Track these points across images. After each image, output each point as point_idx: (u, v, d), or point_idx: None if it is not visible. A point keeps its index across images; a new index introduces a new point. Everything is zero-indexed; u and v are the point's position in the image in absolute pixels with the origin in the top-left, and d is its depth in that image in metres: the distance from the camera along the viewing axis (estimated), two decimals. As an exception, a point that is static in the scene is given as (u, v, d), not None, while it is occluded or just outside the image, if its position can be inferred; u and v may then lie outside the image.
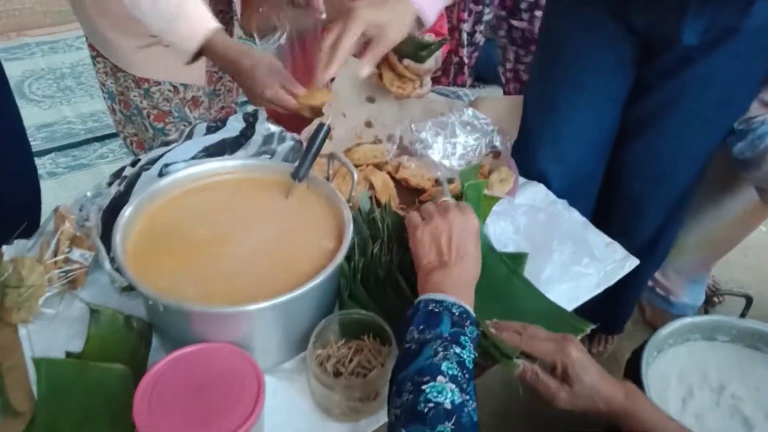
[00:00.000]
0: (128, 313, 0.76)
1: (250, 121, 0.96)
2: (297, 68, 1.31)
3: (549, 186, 1.07)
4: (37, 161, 1.34)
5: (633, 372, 0.97)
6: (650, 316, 1.65)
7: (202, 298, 0.67)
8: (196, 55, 0.95)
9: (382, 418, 0.70)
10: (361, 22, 0.79)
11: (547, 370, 0.68)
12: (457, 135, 1.04)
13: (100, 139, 2.45)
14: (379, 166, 1.06)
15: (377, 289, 0.78)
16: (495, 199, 0.91)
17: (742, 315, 1.13)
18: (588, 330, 0.78)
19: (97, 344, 0.75)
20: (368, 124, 1.19)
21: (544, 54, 1.13)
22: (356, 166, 1.04)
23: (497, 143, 1.06)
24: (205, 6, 0.94)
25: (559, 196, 1.05)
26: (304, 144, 0.90)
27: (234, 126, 0.96)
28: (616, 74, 1.03)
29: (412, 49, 1.05)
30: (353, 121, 1.17)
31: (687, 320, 1.07)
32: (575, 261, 0.91)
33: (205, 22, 0.93)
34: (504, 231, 0.89)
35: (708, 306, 1.42)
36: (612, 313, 1.44)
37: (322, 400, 0.70)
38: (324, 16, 0.99)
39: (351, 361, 0.73)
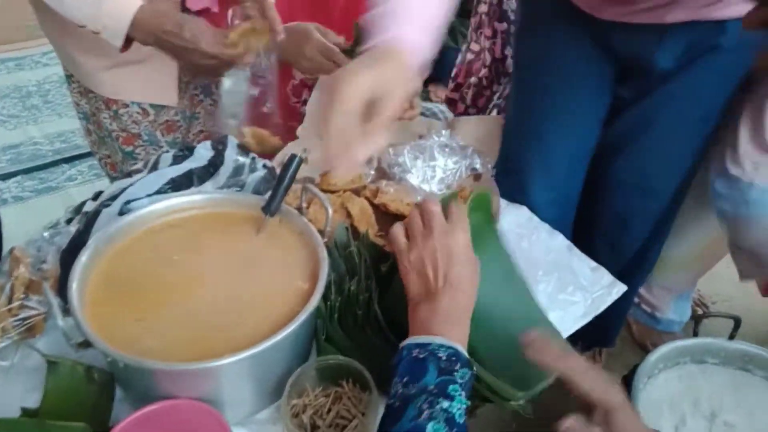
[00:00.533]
0: (89, 363, 0.70)
1: (219, 149, 0.92)
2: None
3: (538, 213, 1.04)
4: (2, 185, 1.28)
5: (624, 401, 0.94)
6: (637, 333, 1.63)
7: (166, 351, 0.62)
8: (130, 40, 0.92)
9: (364, 471, 0.66)
10: (360, 93, 0.61)
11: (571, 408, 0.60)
12: (436, 158, 1.01)
13: (68, 160, 2.37)
14: (356, 191, 1.02)
15: (355, 329, 0.74)
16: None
17: (731, 336, 1.11)
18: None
19: (55, 399, 0.69)
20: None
21: (522, 82, 1.12)
22: (333, 191, 1.00)
23: (477, 166, 1.03)
24: None
25: (546, 218, 1.02)
26: (278, 171, 0.86)
27: (202, 154, 0.91)
28: (597, 96, 1.02)
29: None
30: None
31: (677, 344, 1.04)
32: (561, 289, 0.88)
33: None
34: (488, 261, 0.85)
35: (696, 324, 1.41)
36: (602, 328, 1.42)
37: (299, 455, 0.65)
38: (282, 36, 0.94)
39: (329, 411, 0.68)
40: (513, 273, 0.79)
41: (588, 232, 1.13)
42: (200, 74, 0.98)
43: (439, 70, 2.50)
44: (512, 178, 1.08)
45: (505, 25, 1.57)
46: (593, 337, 1.45)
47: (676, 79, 0.96)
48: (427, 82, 2.57)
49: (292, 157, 0.77)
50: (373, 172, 1.06)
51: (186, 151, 0.92)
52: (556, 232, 0.99)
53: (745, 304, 1.63)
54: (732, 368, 1.06)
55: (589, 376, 0.56)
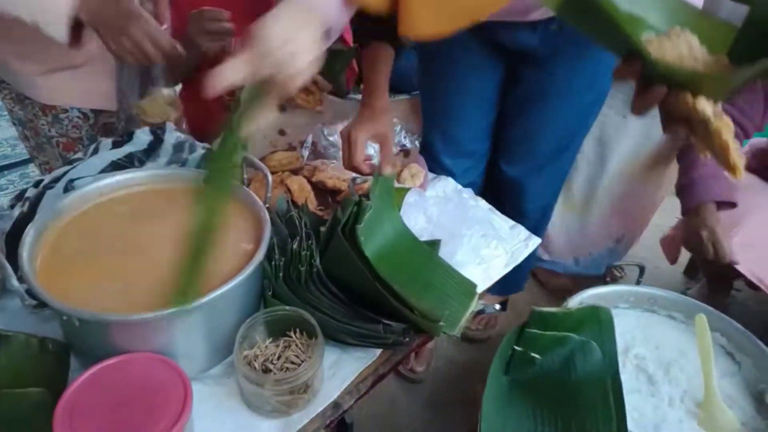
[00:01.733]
0: (43, 335, 0.73)
1: (158, 133, 0.96)
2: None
3: (434, 157, 1.19)
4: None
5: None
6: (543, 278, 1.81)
7: (119, 308, 0.66)
8: (76, 30, 0.85)
9: (314, 410, 0.72)
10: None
11: None
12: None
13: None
14: (294, 172, 1.08)
15: (300, 284, 0.80)
16: (404, 190, 0.95)
17: (638, 282, 1.25)
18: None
19: (9, 372, 0.71)
20: (281, 132, 1.21)
21: (427, 67, 1.23)
22: (272, 173, 1.06)
23: (406, 142, 1.11)
24: None
25: (445, 170, 1.15)
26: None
27: (141, 139, 0.94)
28: (492, 75, 1.16)
29: (326, 64, 1.10)
30: (266, 130, 1.19)
31: (590, 292, 1.16)
32: (484, 244, 0.97)
33: None
34: (417, 221, 0.94)
35: (606, 274, 1.56)
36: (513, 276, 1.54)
37: (253, 399, 0.71)
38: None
39: (279, 357, 0.74)
40: (417, 243, 0.89)
41: (496, 200, 1.25)
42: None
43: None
44: (429, 150, 1.20)
45: None
46: (506, 285, 1.55)
47: (560, 56, 1.08)
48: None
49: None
50: (309, 153, 1.13)
51: (125, 136, 0.96)
52: (479, 198, 1.09)
53: (654, 262, 1.80)
54: (640, 310, 1.19)
55: None
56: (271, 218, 0.81)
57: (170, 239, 0.77)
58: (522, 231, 1.04)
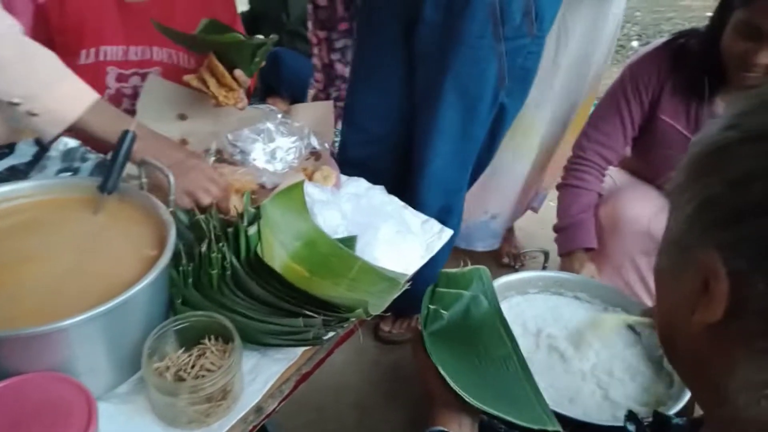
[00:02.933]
0: None
1: (43, 143, 0.88)
2: None
3: (346, 153, 1.22)
4: None
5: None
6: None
7: (11, 323, 0.59)
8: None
9: (235, 416, 0.69)
10: None
11: None
12: (274, 139, 1.07)
13: None
14: None
15: (212, 289, 0.76)
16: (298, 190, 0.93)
17: (543, 267, 1.33)
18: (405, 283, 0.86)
19: None
20: (183, 142, 1.16)
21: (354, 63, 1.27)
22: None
23: (315, 144, 1.11)
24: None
25: (358, 164, 1.17)
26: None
27: (24, 151, 0.87)
28: (395, 54, 1.19)
29: (244, 56, 1.07)
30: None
31: (501, 281, 1.21)
32: (400, 240, 0.98)
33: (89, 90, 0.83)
34: (332, 218, 0.93)
35: (515, 260, 1.64)
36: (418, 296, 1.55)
37: (167, 412, 0.66)
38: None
39: (194, 366, 0.70)
40: (335, 246, 0.90)
41: (408, 195, 1.28)
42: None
43: (277, 84, 2.58)
44: (341, 149, 1.21)
45: (325, 33, 1.70)
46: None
47: (450, 35, 1.13)
48: (265, 96, 2.62)
49: (125, 133, 0.78)
50: (213, 161, 1.09)
51: (5, 149, 0.88)
52: (392, 196, 1.11)
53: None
54: (548, 293, 1.26)
55: None
56: (176, 224, 0.77)
57: (62, 249, 0.71)
58: (434, 224, 1.06)
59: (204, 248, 0.77)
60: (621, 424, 0.91)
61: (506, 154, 1.61)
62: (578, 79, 1.51)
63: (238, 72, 1.08)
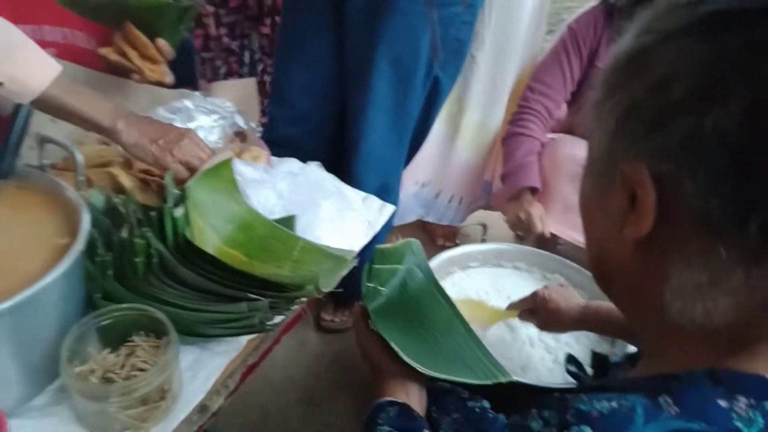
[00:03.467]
0: None
1: None
2: None
3: (274, 132, 1.15)
4: None
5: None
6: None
7: None
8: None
9: (177, 417, 0.61)
10: None
11: None
12: (194, 118, 0.98)
13: None
14: (106, 165, 0.92)
15: (138, 278, 0.67)
16: (225, 169, 0.85)
17: (482, 240, 1.33)
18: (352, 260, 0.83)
19: None
20: (90, 128, 1.04)
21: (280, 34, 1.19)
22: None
23: (240, 123, 1.02)
24: None
25: (287, 143, 1.11)
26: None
27: None
28: (323, 23, 1.13)
29: (168, 22, 0.96)
30: (70, 126, 1.00)
31: (443, 256, 1.19)
32: (341, 217, 0.93)
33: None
34: (267, 199, 0.86)
35: (455, 236, 1.64)
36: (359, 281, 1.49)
37: (97, 420, 0.57)
38: None
39: (123, 367, 0.61)
40: (273, 227, 0.84)
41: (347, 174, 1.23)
42: None
43: (190, 75, 2.41)
44: (269, 129, 1.14)
45: (213, 8, 1.61)
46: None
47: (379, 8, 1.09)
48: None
49: (18, 107, 0.67)
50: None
51: None
52: (329, 174, 1.05)
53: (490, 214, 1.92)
54: (489, 266, 1.25)
55: None
56: (89, 209, 0.67)
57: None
58: (375, 201, 1.02)
59: (124, 234, 0.68)
60: (571, 384, 0.94)
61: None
62: (505, 54, 1.51)
63: (160, 42, 0.98)
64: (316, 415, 1.26)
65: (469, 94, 1.55)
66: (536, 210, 1.42)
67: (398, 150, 1.28)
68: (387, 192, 1.28)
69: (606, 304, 0.75)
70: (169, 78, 1.02)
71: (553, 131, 1.58)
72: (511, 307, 1.00)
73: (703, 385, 0.37)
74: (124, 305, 0.63)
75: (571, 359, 0.84)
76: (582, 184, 0.46)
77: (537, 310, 0.92)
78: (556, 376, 1.02)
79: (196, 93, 1.02)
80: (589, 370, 0.83)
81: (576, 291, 1.20)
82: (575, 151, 1.44)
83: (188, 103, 0.97)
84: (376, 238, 0.97)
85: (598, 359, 0.78)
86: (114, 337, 0.63)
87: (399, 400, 0.66)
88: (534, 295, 0.92)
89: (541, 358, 1.05)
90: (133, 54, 0.97)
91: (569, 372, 0.84)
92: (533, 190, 1.45)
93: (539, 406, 0.42)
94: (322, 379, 1.35)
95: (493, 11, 1.39)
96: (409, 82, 1.15)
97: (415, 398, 0.68)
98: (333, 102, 1.21)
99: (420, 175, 1.72)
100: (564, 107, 1.57)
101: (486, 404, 0.79)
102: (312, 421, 1.25)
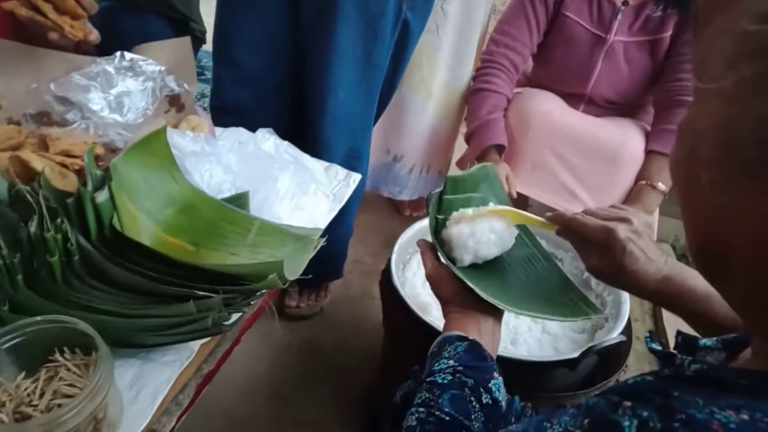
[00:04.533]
0: None
1: None
2: None
3: (220, 96, 1.04)
4: None
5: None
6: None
7: None
8: None
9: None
10: None
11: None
12: (115, 84, 0.83)
13: None
14: (17, 148, 0.77)
15: (55, 282, 0.54)
16: (159, 142, 0.70)
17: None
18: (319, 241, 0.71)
19: None
20: (-6, 106, 0.87)
21: None
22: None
23: (174, 86, 0.88)
24: None
25: (235, 110, 1.01)
26: None
27: None
28: None
29: None
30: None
31: (416, 227, 1.10)
32: (302, 191, 0.81)
33: None
34: (213, 174, 0.73)
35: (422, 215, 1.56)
36: (328, 261, 1.37)
37: (13, 469, 0.45)
38: None
39: (43, 394, 0.49)
40: (219, 204, 0.72)
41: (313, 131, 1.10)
42: None
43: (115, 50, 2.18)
44: (215, 93, 1.00)
45: None
46: (320, 273, 1.38)
47: None
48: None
49: None
50: (34, 125, 0.83)
51: None
52: (284, 141, 0.92)
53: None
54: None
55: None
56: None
57: None
58: (339, 170, 0.91)
59: (34, 228, 0.54)
60: (563, 356, 0.86)
61: (404, 89, 1.48)
62: (473, 4, 1.40)
63: None
64: (289, 412, 1.15)
65: (439, 53, 1.43)
66: (502, 170, 1.33)
67: (367, 108, 1.14)
68: (357, 157, 1.16)
69: (690, 273, 0.58)
70: (94, 35, 0.86)
71: (520, 85, 1.49)
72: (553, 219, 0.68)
73: None
74: (39, 318, 0.50)
75: (653, 337, 0.70)
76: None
77: (595, 247, 0.62)
78: (545, 347, 0.95)
79: (116, 54, 0.86)
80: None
81: (564, 258, 1.14)
82: (543, 105, 1.36)
83: (108, 67, 0.82)
84: (346, 213, 0.87)
85: (685, 341, 0.60)
86: (30, 358, 0.51)
87: (470, 337, 0.59)
88: (605, 230, 0.60)
89: (528, 328, 0.98)
90: (48, 8, 0.81)
91: (653, 351, 0.70)
92: (499, 149, 1.37)
93: (629, 396, 0.33)
94: (292, 371, 1.24)
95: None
96: (378, 27, 1.00)
97: (488, 337, 0.61)
98: (288, 58, 1.06)
99: (393, 145, 1.61)
100: (530, 60, 1.48)
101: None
102: (284, 420, 1.13)
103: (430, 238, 1.11)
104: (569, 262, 1.13)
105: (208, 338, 0.59)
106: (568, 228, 0.64)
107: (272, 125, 0.92)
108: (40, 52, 0.91)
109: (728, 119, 0.30)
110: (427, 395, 0.53)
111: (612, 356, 0.90)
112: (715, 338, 0.42)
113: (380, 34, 1.02)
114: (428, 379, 0.55)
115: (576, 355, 0.82)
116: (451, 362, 0.55)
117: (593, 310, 0.66)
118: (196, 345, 0.58)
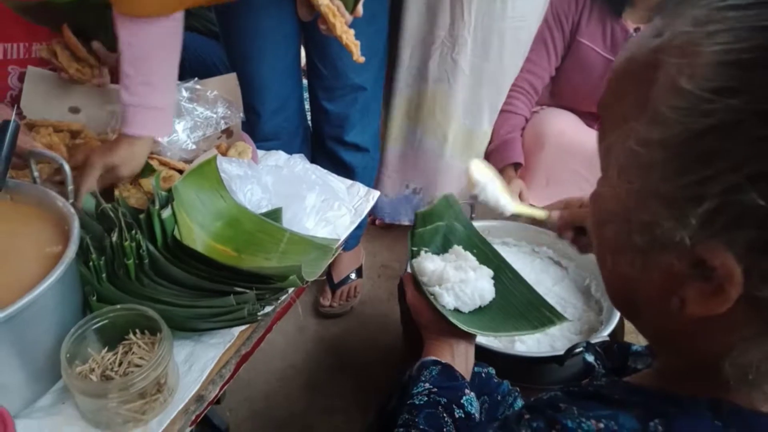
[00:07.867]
0: None
1: None
2: None
3: (262, 127, 1.21)
4: None
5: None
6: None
7: None
8: None
9: (175, 408, 0.65)
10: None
11: None
12: (183, 112, 0.99)
13: None
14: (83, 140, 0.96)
15: (130, 280, 0.71)
16: (210, 167, 0.86)
17: (471, 218, 1.36)
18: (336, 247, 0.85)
19: None
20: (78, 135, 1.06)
21: (226, 24, 1.19)
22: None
23: (228, 114, 1.04)
24: None
25: (275, 133, 1.18)
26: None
27: None
28: (283, 13, 1.14)
29: (102, 21, 0.96)
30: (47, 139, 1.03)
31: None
32: (328, 207, 0.96)
33: None
34: (253, 193, 0.89)
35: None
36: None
37: (99, 417, 0.61)
38: None
39: (121, 364, 0.65)
40: (261, 220, 0.86)
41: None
42: None
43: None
44: (248, 120, 1.17)
45: None
46: None
47: None
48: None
49: (5, 123, 0.69)
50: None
51: None
52: (314, 165, 1.07)
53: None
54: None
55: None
56: (79, 216, 0.70)
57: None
58: (360, 188, 1.04)
59: (115, 238, 0.71)
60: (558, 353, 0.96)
61: (419, 132, 1.57)
62: (488, 57, 1.47)
63: (96, 44, 0.98)
64: (319, 398, 1.31)
65: (452, 101, 1.49)
66: (515, 186, 1.43)
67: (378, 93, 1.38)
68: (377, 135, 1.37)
69: None
70: (102, 81, 1.02)
71: (543, 102, 1.59)
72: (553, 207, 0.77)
73: (702, 417, 0.34)
74: (118, 306, 0.66)
75: (590, 347, 0.79)
76: (603, 222, 0.38)
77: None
78: (543, 346, 1.05)
79: (185, 85, 1.03)
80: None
81: (569, 266, 1.23)
82: (557, 124, 1.46)
83: (178, 97, 0.98)
84: (360, 224, 1.01)
85: (619, 347, 0.66)
86: (112, 337, 0.66)
87: (443, 360, 0.66)
88: None
89: (530, 329, 1.09)
90: (63, 54, 0.98)
91: (586, 363, 0.79)
92: (516, 166, 1.48)
93: (533, 410, 0.39)
94: (323, 363, 1.39)
95: (473, 7, 1.33)
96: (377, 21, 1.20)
97: (461, 358, 0.68)
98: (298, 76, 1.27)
99: (411, 180, 1.69)
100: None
101: (492, 371, 0.81)
102: (315, 405, 1.29)
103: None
104: (573, 270, 1.23)
105: (246, 326, 0.74)
106: (571, 212, 0.71)
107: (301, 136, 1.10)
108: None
109: (623, 216, 0.35)
110: (406, 416, 0.61)
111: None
112: (645, 345, 0.51)
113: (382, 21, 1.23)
114: (408, 402, 0.63)
115: (562, 352, 0.93)
116: (427, 385, 0.63)
117: (557, 317, 0.73)
118: (236, 331, 0.73)
